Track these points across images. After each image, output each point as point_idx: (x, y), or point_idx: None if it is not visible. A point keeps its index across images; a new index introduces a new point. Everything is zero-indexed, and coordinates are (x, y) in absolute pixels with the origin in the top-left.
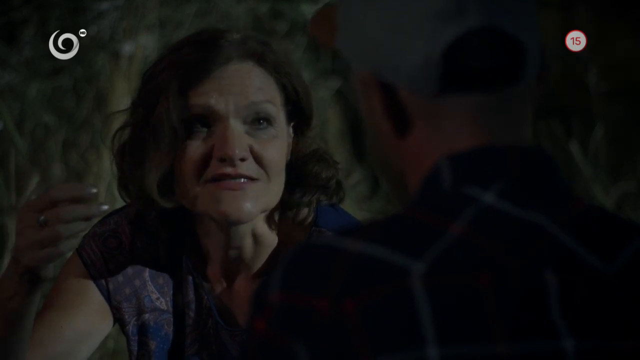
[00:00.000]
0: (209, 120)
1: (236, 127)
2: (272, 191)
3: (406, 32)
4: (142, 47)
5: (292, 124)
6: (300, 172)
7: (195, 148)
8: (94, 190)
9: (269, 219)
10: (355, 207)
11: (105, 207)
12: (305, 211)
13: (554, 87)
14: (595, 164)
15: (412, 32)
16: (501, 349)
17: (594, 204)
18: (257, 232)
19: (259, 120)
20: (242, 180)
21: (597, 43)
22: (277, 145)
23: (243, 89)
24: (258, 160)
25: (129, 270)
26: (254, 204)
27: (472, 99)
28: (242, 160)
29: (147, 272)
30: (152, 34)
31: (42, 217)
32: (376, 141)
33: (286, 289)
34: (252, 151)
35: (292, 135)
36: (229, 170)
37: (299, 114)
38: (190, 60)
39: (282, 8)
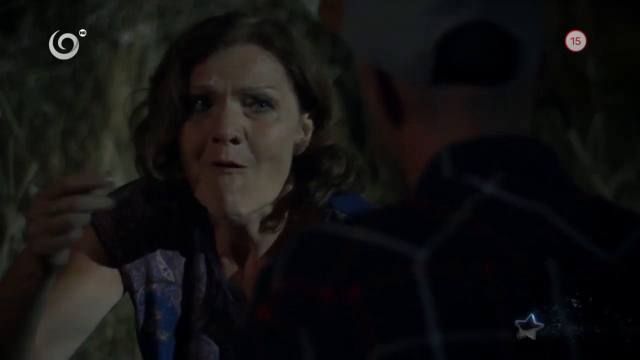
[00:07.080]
0: (209, 99)
1: (233, 107)
2: (263, 183)
3: (402, 22)
4: (140, 36)
5: (307, 113)
6: (313, 166)
7: (194, 128)
8: (110, 179)
9: (279, 205)
10: None
11: (111, 202)
12: (319, 196)
13: (553, 77)
14: (594, 154)
15: (408, 23)
16: (504, 336)
17: (594, 194)
18: (265, 218)
19: (260, 103)
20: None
21: (596, 33)
22: (277, 129)
23: (243, 72)
24: (252, 143)
25: (140, 239)
26: (243, 197)
27: (468, 91)
28: (235, 142)
29: (157, 243)
30: (151, 23)
31: (55, 206)
32: (375, 128)
33: (290, 276)
34: (246, 135)
35: (312, 127)
36: (222, 156)
37: (312, 103)
38: (199, 37)
39: None
